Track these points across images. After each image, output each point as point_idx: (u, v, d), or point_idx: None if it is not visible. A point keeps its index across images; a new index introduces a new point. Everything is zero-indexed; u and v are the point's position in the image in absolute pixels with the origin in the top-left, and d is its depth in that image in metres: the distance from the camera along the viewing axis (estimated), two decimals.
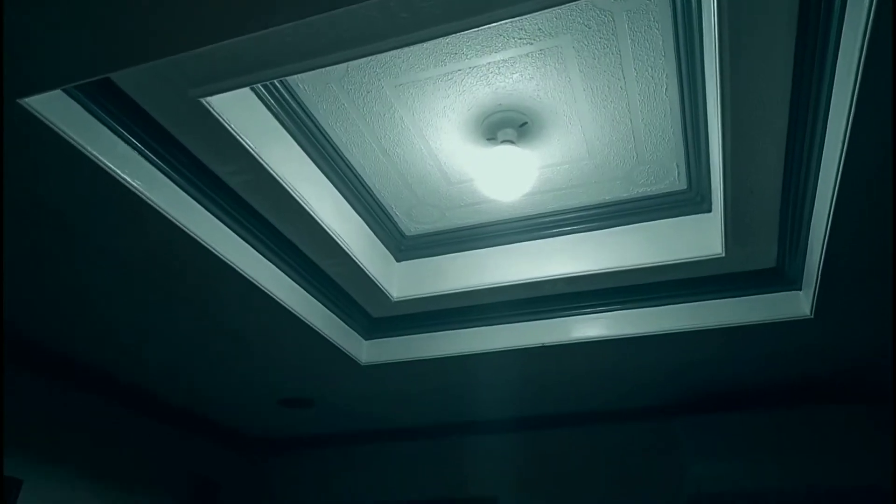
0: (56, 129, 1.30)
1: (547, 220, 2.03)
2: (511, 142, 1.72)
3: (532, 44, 1.50)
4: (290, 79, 1.58)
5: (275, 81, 1.56)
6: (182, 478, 2.81)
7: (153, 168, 1.50)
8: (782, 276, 1.88)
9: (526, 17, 1.32)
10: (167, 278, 1.78)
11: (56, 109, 1.29)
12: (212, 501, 2.92)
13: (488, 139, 1.75)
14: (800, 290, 1.88)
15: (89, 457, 2.40)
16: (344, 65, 1.53)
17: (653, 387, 2.45)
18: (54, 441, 2.29)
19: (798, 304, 1.87)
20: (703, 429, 2.44)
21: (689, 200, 1.91)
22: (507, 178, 1.71)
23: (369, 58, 1.51)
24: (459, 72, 1.57)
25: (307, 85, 1.62)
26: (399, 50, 1.36)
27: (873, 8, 1.04)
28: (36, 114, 1.26)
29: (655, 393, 2.51)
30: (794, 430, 2.33)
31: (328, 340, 2.10)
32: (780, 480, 2.31)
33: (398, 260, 2.18)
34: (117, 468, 2.51)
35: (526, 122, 1.71)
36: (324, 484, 3.04)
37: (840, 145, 1.30)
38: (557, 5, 1.17)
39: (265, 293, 1.83)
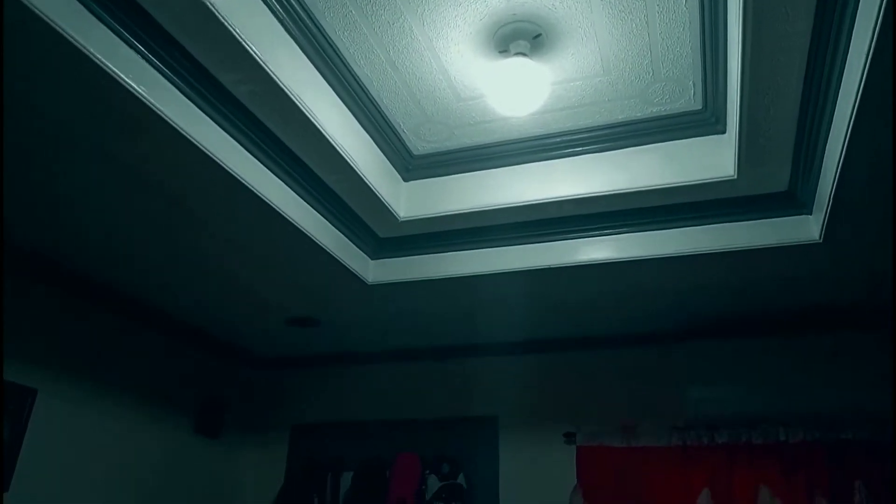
0: (57, 28, 1.25)
1: (557, 140, 2.01)
2: (524, 54, 1.67)
3: None
4: None
5: None
6: (191, 394, 2.89)
7: (157, 74, 1.46)
8: (793, 200, 1.86)
9: None
10: (172, 190, 1.77)
11: (57, 7, 1.25)
12: (220, 417, 3.00)
13: (500, 52, 1.70)
14: (810, 214, 1.86)
15: (101, 371, 2.46)
16: None
17: (656, 312, 2.47)
18: (68, 355, 2.34)
19: (808, 228, 1.86)
20: (703, 354, 2.48)
21: (704, 121, 1.88)
22: (518, 92, 1.68)
23: None
24: None
25: None
26: None
27: None
28: (36, 11, 1.22)
29: (658, 318, 2.53)
30: (794, 356, 2.37)
31: (335, 258, 2.10)
32: (778, 406, 2.36)
33: (405, 179, 2.16)
34: (129, 383, 2.57)
35: (540, 35, 1.65)
36: (330, 402, 3.12)
37: (862, 66, 1.27)
38: None
39: (273, 208, 1.83)
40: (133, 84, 1.40)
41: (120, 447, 2.48)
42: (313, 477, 2.89)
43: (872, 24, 1.17)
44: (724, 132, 1.86)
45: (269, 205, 1.80)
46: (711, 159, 1.85)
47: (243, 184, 1.71)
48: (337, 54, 1.73)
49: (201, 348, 2.94)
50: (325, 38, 1.68)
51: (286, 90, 1.58)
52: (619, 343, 2.73)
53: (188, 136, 1.54)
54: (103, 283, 2.41)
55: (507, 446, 2.78)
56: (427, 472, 2.74)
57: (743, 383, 2.40)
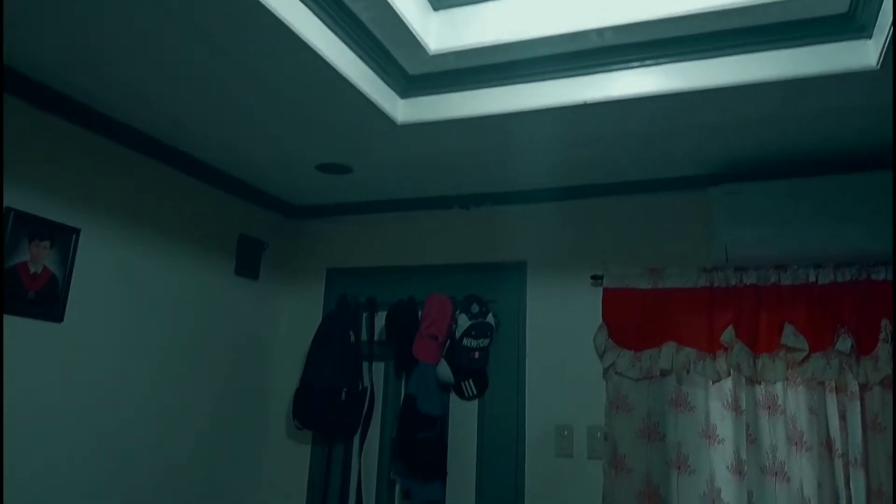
0: None
1: None
2: None
3: None
4: None
5: None
6: (230, 237, 2.97)
7: None
8: (852, 23, 1.73)
9: None
10: (201, 22, 1.70)
11: None
12: (258, 260, 3.10)
13: None
14: (869, 38, 1.74)
15: (142, 213, 2.52)
16: None
17: (694, 153, 2.41)
18: (108, 197, 2.39)
19: (865, 53, 1.74)
20: (736, 197, 2.43)
21: None
22: None
23: None
24: None
25: None
26: None
27: None
28: None
29: (693, 161, 2.48)
30: (831, 197, 2.30)
31: (363, 95, 2.05)
32: (810, 248, 2.34)
33: (435, 9, 2.05)
34: (168, 225, 2.64)
35: None
36: (363, 248, 3.20)
37: None
38: None
39: (302, 40, 1.75)
40: None
41: (164, 286, 2.60)
42: (349, 316, 3.02)
43: None
44: None
45: (297, 35, 1.73)
46: None
47: (270, 11, 1.63)
48: None
49: (238, 195, 2.99)
50: None
51: None
52: (650, 187, 2.70)
53: None
54: (137, 128, 2.43)
55: (534, 289, 2.86)
56: (458, 311, 2.84)
57: (775, 225, 2.37)
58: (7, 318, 2.05)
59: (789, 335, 2.33)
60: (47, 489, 2.12)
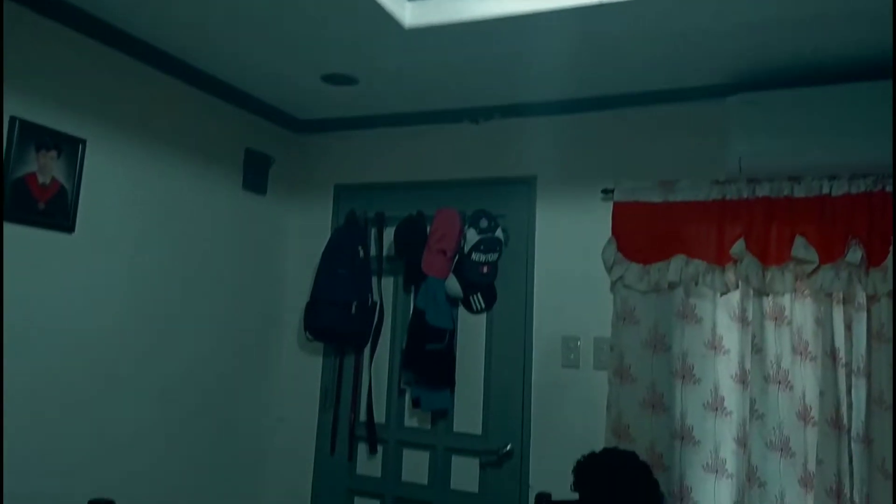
0: None
1: None
2: None
3: None
4: None
5: None
6: (236, 152, 2.94)
7: None
8: None
9: None
10: None
11: None
12: (265, 175, 3.08)
13: None
14: None
15: (148, 125, 2.49)
16: None
17: (709, 60, 2.33)
18: (114, 107, 2.35)
19: None
20: (751, 107, 2.37)
21: None
22: None
23: None
24: None
25: None
26: None
27: None
28: None
29: (710, 69, 2.40)
30: (849, 105, 2.24)
31: None
32: (826, 159, 2.30)
33: None
34: (174, 137, 2.61)
35: None
36: (371, 163, 3.16)
37: None
38: None
39: None
40: None
41: (172, 200, 2.60)
42: (357, 232, 3.03)
43: None
44: None
45: None
46: None
47: None
48: None
49: (245, 108, 2.94)
50: None
51: None
52: (664, 98, 2.63)
53: None
54: (142, 39, 2.37)
55: (544, 203, 2.84)
56: (466, 226, 2.84)
57: (792, 136, 2.32)
58: (18, 228, 2.06)
59: (800, 247, 2.32)
60: (58, 399, 2.17)
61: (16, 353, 2.02)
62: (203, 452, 2.72)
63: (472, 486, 2.81)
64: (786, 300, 2.35)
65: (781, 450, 2.27)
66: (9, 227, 2.02)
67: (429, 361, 2.82)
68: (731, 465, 2.38)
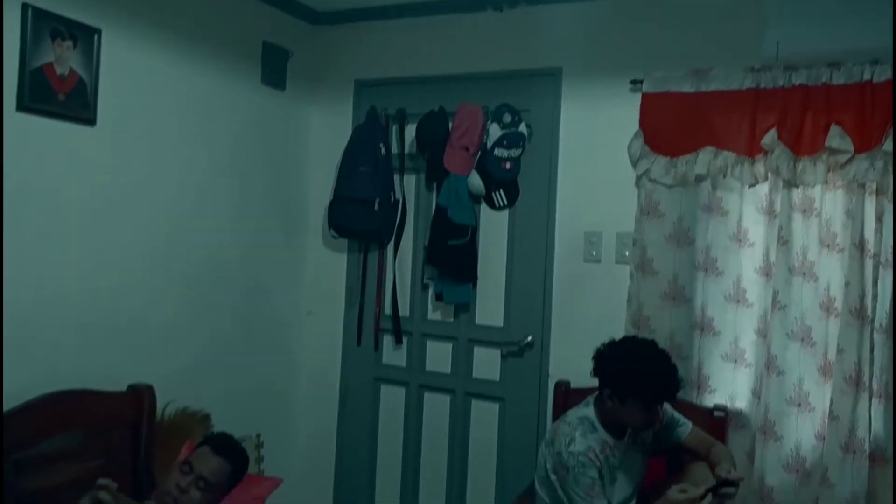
0: None
1: None
2: None
3: None
4: None
5: None
6: (255, 44, 2.87)
7: None
8: None
9: None
10: None
11: None
12: (283, 69, 3.02)
13: None
14: None
15: (163, 14, 2.43)
16: None
17: None
18: None
19: None
20: None
21: None
22: None
23: None
24: None
25: None
26: None
27: None
28: None
29: None
30: None
31: None
32: (869, 43, 2.19)
33: None
34: (191, 29, 2.55)
35: None
36: (392, 57, 3.07)
37: None
38: None
39: None
40: None
41: (191, 93, 2.57)
42: (379, 129, 2.99)
43: None
44: None
45: None
46: None
47: None
48: None
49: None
50: None
51: None
52: None
53: None
54: None
55: (569, 96, 2.76)
56: (489, 121, 2.78)
57: (832, 19, 2.20)
58: (39, 120, 2.06)
59: (835, 136, 2.24)
60: (81, 293, 2.21)
61: (42, 248, 2.07)
62: (234, 343, 2.82)
63: (494, 374, 2.90)
64: (816, 192, 2.30)
65: (802, 339, 2.29)
66: (30, 119, 2.03)
67: (451, 257, 2.84)
68: (750, 355, 2.41)
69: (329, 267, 3.18)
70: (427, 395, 3.05)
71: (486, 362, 2.92)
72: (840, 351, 2.22)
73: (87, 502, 1.66)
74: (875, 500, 2.24)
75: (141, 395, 2.21)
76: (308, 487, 3.17)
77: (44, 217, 2.08)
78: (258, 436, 2.82)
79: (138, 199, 2.38)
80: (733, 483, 1.93)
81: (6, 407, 1.85)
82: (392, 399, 3.11)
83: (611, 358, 2.07)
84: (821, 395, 2.28)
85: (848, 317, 2.21)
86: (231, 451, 2.08)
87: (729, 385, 2.44)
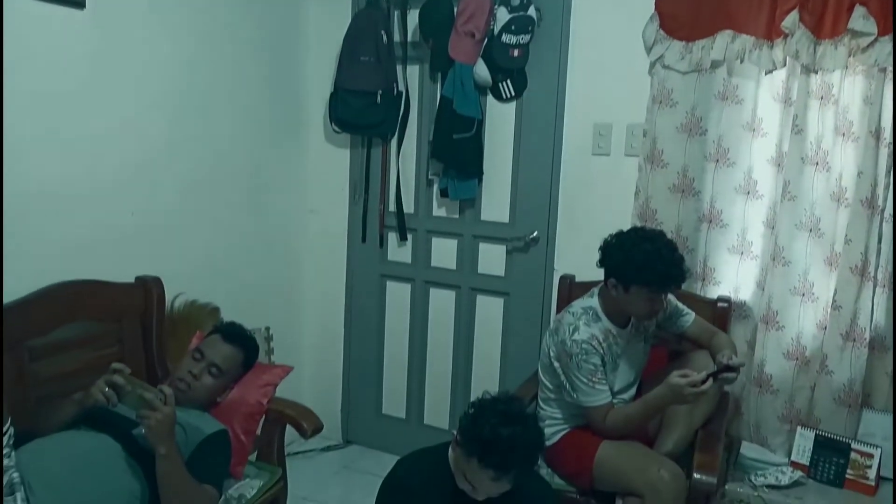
0: None
1: None
2: None
3: None
4: None
5: None
6: None
7: None
8: None
9: None
10: None
11: None
12: None
13: None
14: None
15: None
16: None
17: None
18: None
19: None
20: None
21: None
22: None
23: None
24: None
25: None
26: None
27: None
28: None
29: None
30: None
31: None
32: None
33: None
34: None
35: None
36: None
37: None
38: None
39: None
40: None
41: None
42: (380, 15, 2.85)
43: None
44: None
45: None
46: None
47: None
48: None
49: None
50: None
51: None
52: None
53: None
54: None
55: None
56: (496, 4, 2.65)
57: None
58: (28, 3, 1.96)
59: (858, 18, 2.13)
60: (86, 185, 2.18)
61: (42, 145, 2.02)
62: (238, 239, 2.81)
63: (499, 270, 2.92)
64: (834, 77, 2.22)
65: (810, 230, 2.27)
66: (19, 3, 1.92)
67: (456, 151, 2.79)
68: (756, 247, 2.41)
69: (331, 163, 3.14)
70: (433, 291, 3.08)
71: (492, 258, 2.93)
72: (848, 241, 2.21)
73: (102, 385, 1.71)
74: (871, 385, 2.29)
75: (149, 287, 2.23)
76: (317, 378, 3.27)
77: (41, 113, 2.01)
78: (267, 328, 2.88)
79: (135, 90, 2.30)
80: (734, 369, 1.97)
81: (16, 296, 1.87)
82: (398, 295, 3.14)
83: (617, 247, 2.06)
84: (825, 286, 2.29)
85: (858, 207, 2.18)
86: (241, 338, 2.12)
87: (734, 277, 2.44)
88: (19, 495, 1.54)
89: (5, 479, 1.54)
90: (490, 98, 2.81)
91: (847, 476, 2.16)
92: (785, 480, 2.13)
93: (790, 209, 2.28)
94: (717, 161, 2.39)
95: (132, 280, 2.24)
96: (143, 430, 1.69)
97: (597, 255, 2.13)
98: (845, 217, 2.23)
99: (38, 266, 1.99)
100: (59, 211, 2.09)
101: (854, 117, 2.22)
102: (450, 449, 1.66)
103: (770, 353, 2.35)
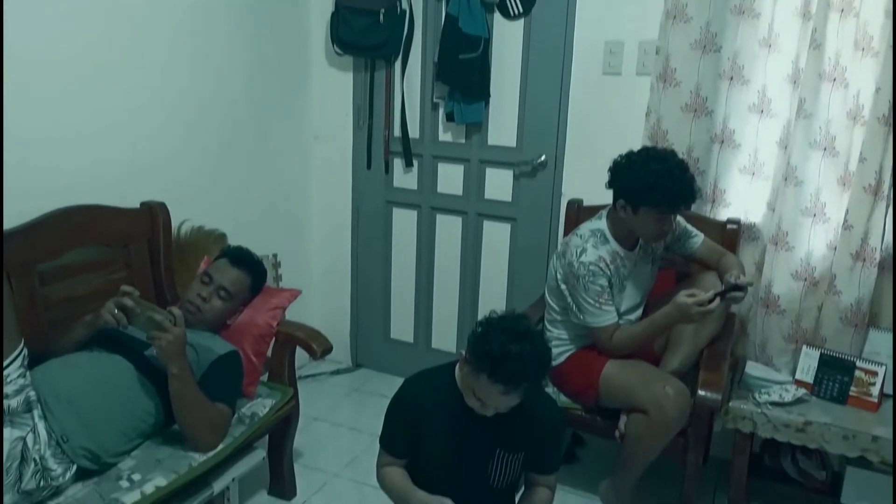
0: None
1: None
2: None
3: None
4: None
5: None
6: None
7: None
8: None
9: None
10: None
11: None
12: None
13: None
14: None
15: None
16: None
17: None
18: None
19: None
20: None
21: None
22: None
23: None
24: None
25: None
26: None
27: None
28: None
29: None
30: None
31: None
32: None
33: None
34: None
35: None
36: None
37: None
38: None
39: None
40: None
41: None
42: None
43: None
44: None
45: None
46: None
47: None
48: None
49: None
50: None
51: None
52: None
53: None
54: None
55: None
56: None
57: None
58: None
59: None
60: (88, 117, 2.15)
61: (40, 76, 1.97)
62: (244, 165, 2.79)
63: (506, 195, 2.89)
64: None
65: (825, 149, 2.21)
66: None
67: (462, 72, 2.72)
68: (768, 168, 2.36)
69: (334, 88, 3.07)
70: (439, 218, 3.06)
71: (498, 183, 2.90)
72: (862, 160, 2.16)
73: (112, 307, 1.73)
74: (879, 305, 2.29)
75: (155, 212, 2.22)
76: (326, 305, 3.30)
77: (40, 44, 1.96)
78: (275, 255, 2.88)
79: (134, 16, 2.22)
80: (741, 288, 1.97)
81: (23, 220, 1.86)
82: (404, 222, 3.13)
83: (626, 167, 2.03)
84: (837, 206, 2.25)
85: (875, 124, 2.12)
86: (248, 262, 2.12)
87: (744, 199, 2.41)
88: (36, 412, 1.58)
89: (22, 396, 1.57)
90: (497, 16, 2.72)
91: (850, 393, 2.18)
92: (788, 398, 2.16)
93: (805, 127, 2.22)
94: (732, 79, 2.32)
95: (137, 205, 2.23)
96: (155, 351, 1.72)
97: (605, 179, 2.10)
98: (861, 135, 2.18)
99: (44, 196, 1.97)
100: (67, 149, 2.06)
101: (875, 31, 2.13)
102: (457, 368, 1.68)
103: (778, 273, 2.34)
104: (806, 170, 2.25)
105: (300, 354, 2.22)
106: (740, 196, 2.41)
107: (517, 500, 1.78)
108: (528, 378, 1.50)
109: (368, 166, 3.09)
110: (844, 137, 2.20)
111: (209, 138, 2.60)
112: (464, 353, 1.59)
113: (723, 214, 2.43)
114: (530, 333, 1.53)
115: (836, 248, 2.26)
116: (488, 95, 2.77)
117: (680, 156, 2.16)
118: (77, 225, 2.00)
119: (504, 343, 1.47)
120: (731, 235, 2.36)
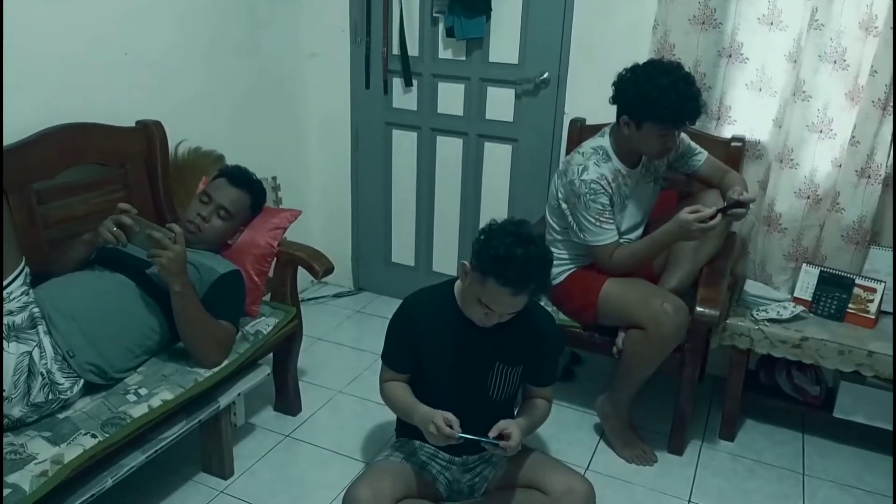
0: None
1: None
2: None
3: None
4: None
5: None
6: None
7: None
8: None
9: None
10: None
11: None
12: None
13: None
14: None
15: None
16: None
17: None
18: None
19: None
20: None
21: None
22: None
23: None
24: None
25: None
26: None
27: None
28: None
29: None
30: None
31: None
32: None
33: None
34: None
35: None
36: None
37: None
38: None
39: None
40: None
41: None
42: None
43: None
44: None
45: None
46: None
47: None
48: None
49: None
50: None
51: None
52: None
53: None
54: None
55: None
56: None
57: None
58: None
59: None
60: (78, 42, 2.10)
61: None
62: (238, 83, 2.72)
63: (507, 115, 2.84)
64: None
65: (835, 62, 2.15)
66: None
67: None
68: (776, 83, 2.30)
69: (329, 1, 2.96)
70: (440, 139, 3.02)
71: (500, 102, 2.84)
72: (873, 73, 2.10)
73: (110, 224, 1.72)
74: (881, 223, 2.28)
75: (151, 130, 2.19)
76: (327, 229, 3.30)
77: None
78: (274, 178, 2.86)
79: None
80: (744, 204, 1.95)
81: (17, 138, 1.83)
82: (404, 143, 3.09)
83: (631, 81, 1.98)
84: (844, 121, 2.20)
85: (888, 34, 2.05)
86: (247, 181, 2.11)
87: (750, 115, 2.36)
88: (41, 328, 1.60)
89: (26, 313, 1.59)
90: None
91: (848, 310, 2.20)
92: (786, 315, 2.18)
93: (815, 39, 2.14)
94: None
95: (133, 124, 2.19)
96: (156, 269, 1.72)
97: (609, 96, 2.05)
98: (873, 47, 2.11)
99: (35, 107, 1.93)
100: (57, 60, 2.01)
101: (879, 10, 2.04)
102: (457, 283, 1.69)
103: (781, 191, 2.32)
104: (815, 83, 2.19)
105: (303, 278, 2.23)
106: (746, 113, 2.36)
107: (516, 411, 1.82)
108: (534, 279, 1.52)
109: (367, 86, 3.02)
110: (855, 50, 2.14)
111: (203, 51, 2.52)
112: (466, 263, 1.60)
113: (728, 132, 2.39)
114: (533, 236, 1.55)
115: (840, 165, 2.23)
116: (490, 9, 2.67)
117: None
118: (72, 143, 1.97)
119: (510, 245, 1.49)
120: (735, 153, 2.33)
